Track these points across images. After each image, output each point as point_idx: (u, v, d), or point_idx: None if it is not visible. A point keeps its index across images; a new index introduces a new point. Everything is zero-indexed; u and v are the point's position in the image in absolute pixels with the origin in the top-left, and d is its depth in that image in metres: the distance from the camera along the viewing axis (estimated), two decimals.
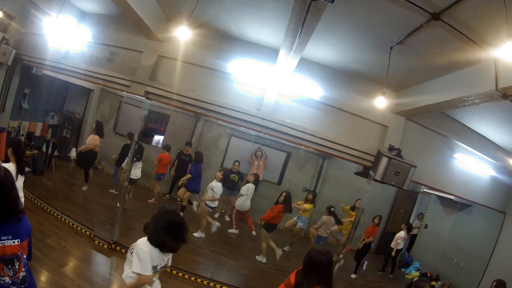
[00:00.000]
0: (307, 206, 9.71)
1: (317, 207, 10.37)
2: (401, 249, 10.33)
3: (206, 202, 8.86)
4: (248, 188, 9.62)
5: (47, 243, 6.80)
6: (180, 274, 7.28)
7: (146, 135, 12.78)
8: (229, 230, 10.14)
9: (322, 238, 9.05)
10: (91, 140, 9.94)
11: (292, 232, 10.11)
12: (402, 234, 10.19)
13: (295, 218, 9.84)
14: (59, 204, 8.47)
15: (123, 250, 7.23)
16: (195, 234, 9.04)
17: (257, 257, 8.75)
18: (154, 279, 3.84)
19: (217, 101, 7.19)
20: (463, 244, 10.31)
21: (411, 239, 12.26)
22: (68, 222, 7.91)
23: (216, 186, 9.04)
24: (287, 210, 8.66)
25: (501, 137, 8.03)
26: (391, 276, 10.63)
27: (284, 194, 8.64)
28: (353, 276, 9.58)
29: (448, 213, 11.25)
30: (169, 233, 3.67)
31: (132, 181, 9.07)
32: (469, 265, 9.83)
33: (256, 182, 9.86)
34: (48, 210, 8.18)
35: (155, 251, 3.66)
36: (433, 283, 10.54)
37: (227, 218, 11.01)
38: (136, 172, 9.20)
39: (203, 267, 7.86)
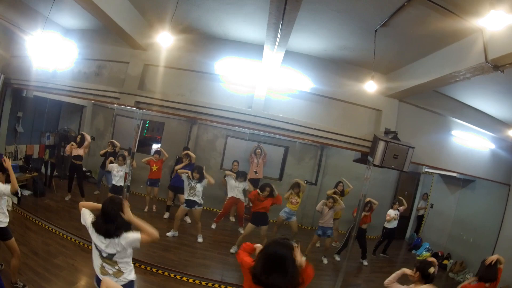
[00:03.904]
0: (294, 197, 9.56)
1: (321, 196, 10.31)
2: (394, 228, 10.24)
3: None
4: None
5: (55, 263, 6.76)
6: (191, 280, 7.25)
7: (144, 144, 12.78)
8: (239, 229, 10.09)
9: (323, 229, 8.93)
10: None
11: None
12: (390, 211, 10.17)
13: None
14: (64, 223, 8.42)
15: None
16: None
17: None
18: None
19: (208, 103, 7.17)
20: (471, 220, 10.28)
21: (419, 220, 12.24)
22: (74, 240, 7.88)
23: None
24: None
25: (497, 109, 8.03)
26: (386, 255, 10.61)
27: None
28: (365, 262, 9.54)
29: (452, 190, 11.21)
30: None
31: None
32: (478, 240, 9.80)
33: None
34: (53, 230, 8.15)
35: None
36: (445, 261, 10.53)
37: (232, 219, 10.96)
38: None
39: (212, 270, 7.83)
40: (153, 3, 6.21)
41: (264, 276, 3.37)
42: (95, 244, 4.06)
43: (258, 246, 3.79)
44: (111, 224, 3.90)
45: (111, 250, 3.96)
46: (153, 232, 4.07)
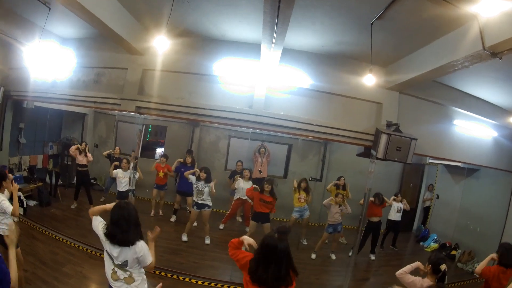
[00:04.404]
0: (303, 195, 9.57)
1: (327, 192, 10.32)
2: (398, 221, 10.27)
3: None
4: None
5: (63, 271, 6.76)
6: (200, 282, 7.25)
7: (148, 149, 12.85)
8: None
9: (333, 226, 8.93)
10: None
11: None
12: (392, 203, 10.18)
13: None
14: (70, 231, 8.44)
15: None
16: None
17: None
18: None
19: (208, 105, 7.18)
20: (477, 209, 10.26)
21: (425, 212, 12.23)
22: (82, 247, 7.88)
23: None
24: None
25: (498, 97, 8.01)
26: (394, 248, 10.60)
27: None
28: (372, 257, 9.53)
29: (457, 180, 11.21)
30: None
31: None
32: (485, 229, 9.80)
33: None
34: (60, 239, 8.16)
35: None
36: (453, 252, 10.51)
37: (239, 219, 10.97)
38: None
39: (221, 271, 7.83)
40: (148, 8, 6.21)
41: (261, 270, 3.43)
42: (106, 251, 4.04)
43: (245, 238, 3.90)
44: (120, 230, 3.84)
45: (123, 258, 3.92)
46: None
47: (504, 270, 5.24)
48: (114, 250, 3.91)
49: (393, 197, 10.05)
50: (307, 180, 9.68)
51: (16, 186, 5.46)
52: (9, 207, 5.17)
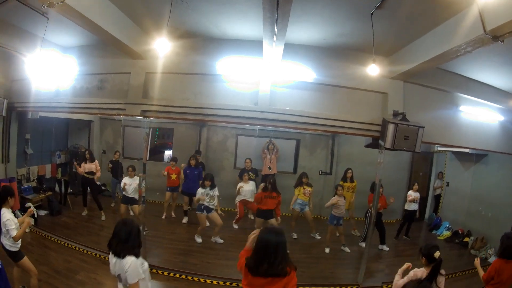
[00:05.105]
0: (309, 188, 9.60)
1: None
2: (415, 211, 10.26)
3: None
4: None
5: (77, 279, 6.80)
6: (215, 282, 7.26)
7: (156, 152, 12.91)
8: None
9: (337, 218, 8.91)
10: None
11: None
12: (410, 192, 10.21)
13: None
14: (82, 238, 8.51)
15: (153, 270, 7.22)
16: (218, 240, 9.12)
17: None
18: None
19: (213, 104, 7.17)
20: (487, 194, 10.21)
21: (436, 200, 12.19)
22: (95, 254, 7.93)
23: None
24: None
25: (502, 81, 7.98)
26: (408, 237, 10.61)
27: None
28: (385, 248, 9.51)
29: (466, 167, 11.15)
30: None
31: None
32: (497, 214, 9.73)
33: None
34: (73, 246, 8.20)
35: None
36: (466, 239, 10.47)
37: (251, 217, 10.96)
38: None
39: (235, 269, 7.81)
40: (147, 11, 6.19)
41: (257, 264, 3.50)
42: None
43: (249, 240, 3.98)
44: (119, 243, 3.91)
45: (117, 271, 3.96)
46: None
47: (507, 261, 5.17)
48: (112, 260, 4.01)
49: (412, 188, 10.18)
50: (306, 174, 9.75)
51: (28, 221, 5.54)
52: (13, 231, 5.25)
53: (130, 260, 3.86)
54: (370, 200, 8.82)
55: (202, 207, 8.67)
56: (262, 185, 8.81)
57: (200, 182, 8.92)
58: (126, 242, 3.89)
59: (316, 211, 11.14)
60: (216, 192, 8.73)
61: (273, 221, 8.39)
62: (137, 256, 3.94)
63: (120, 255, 3.87)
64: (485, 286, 5.31)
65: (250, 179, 10.18)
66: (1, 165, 9.44)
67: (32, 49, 7.41)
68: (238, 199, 9.98)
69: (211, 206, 8.68)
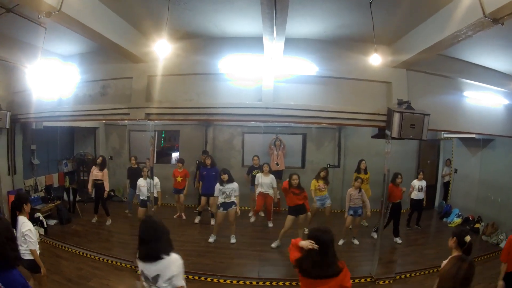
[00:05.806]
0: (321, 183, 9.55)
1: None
2: (422, 199, 10.22)
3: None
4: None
5: (90, 286, 6.82)
6: (228, 281, 7.26)
7: (164, 155, 12.93)
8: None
9: (354, 209, 8.89)
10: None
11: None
12: (414, 182, 10.16)
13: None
14: (93, 245, 8.53)
15: None
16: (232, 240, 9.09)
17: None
18: None
19: (217, 103, 7.17)
20: (496, 179, 10.13)
21: (445, 187, 12.13)
22: (106, 260, 7.94)
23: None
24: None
25: (505, 64, 7.96)
26: (419, 227, 10.59)
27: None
28: (398, 241, 9.47)
29: (473, 152, 11.09)
30: None
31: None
32: (506, 199, 9.66)
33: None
34: (84, 254, 8.22)
35: None
36: (477, 225, 10.42)
37: (262, 214, 10.93)
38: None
39: (248, 268, 7.83)
40: (145, 14, 6.17)
41: (308, 264, 3.53)
42: (141, 270, 3.83)
43: (302, 243, 3.89)
44: (148, 246, 3.68)
45: (153, 273, 3.70)
46: None
47: None
48: (144, 267, 3.75)
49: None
50: (326, 168, 9.67)
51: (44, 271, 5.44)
52: (32, 245, 5.14)
53: (174, 258, 3.73)
54: (391, 191, 8.86)
55: (220, 204, 8.70)
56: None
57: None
58: (158, 240, 3.68)
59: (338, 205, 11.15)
60: (232, 185, 8.73)
61: (303, 217, 8.33)
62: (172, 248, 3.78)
63: (160, 255, 3.63)
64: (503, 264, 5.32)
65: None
66: (8, 177, 9.49)
67: (32, 60, 7.41)
68: (257, 191, 9.81)
69: (227, 201, 8.66)
